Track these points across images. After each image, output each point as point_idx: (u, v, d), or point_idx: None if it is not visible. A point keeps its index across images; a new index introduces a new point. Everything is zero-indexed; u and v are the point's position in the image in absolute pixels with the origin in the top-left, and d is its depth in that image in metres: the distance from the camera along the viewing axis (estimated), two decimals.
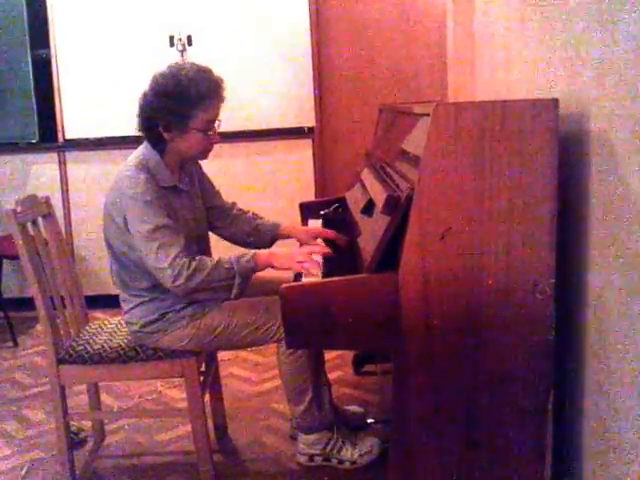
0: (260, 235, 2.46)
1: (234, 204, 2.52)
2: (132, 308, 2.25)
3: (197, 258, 2.08)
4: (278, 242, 2.49)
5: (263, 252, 2.19)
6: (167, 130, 2.13)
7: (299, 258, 2.11)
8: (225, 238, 2.50)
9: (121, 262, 2.21)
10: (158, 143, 2.17)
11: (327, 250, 2.21)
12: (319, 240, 2.41)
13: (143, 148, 2.21)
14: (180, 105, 2.08)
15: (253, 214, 2.52)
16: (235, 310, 2.22)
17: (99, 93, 4.20)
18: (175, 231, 2.09)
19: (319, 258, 2.16)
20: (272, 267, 2.16)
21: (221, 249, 2.47)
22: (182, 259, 2.04)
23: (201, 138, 2.15)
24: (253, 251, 2.18)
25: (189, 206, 2.28)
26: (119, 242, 2.17)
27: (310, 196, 4.16)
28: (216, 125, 2.19)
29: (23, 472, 2.47)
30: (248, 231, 2.47)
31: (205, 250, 2.36)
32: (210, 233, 2.46)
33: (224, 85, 2.15)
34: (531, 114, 1.66)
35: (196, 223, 2.30)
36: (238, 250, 2.26)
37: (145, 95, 2.15)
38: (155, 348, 2.24)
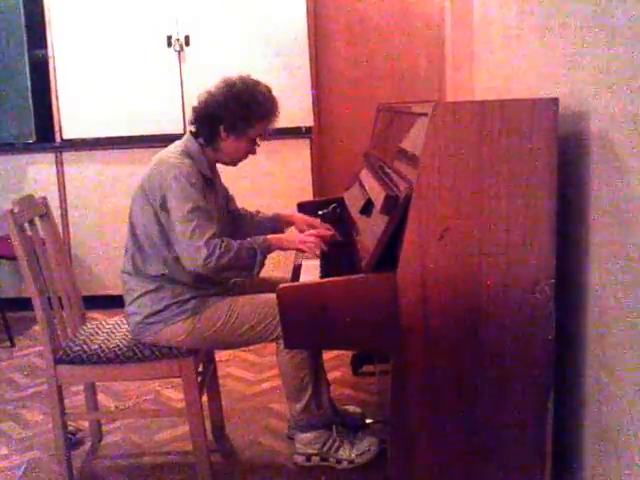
0: (263, 230, 2.54)
1: (242, 207, 2.66)
2: (137, 298, 2.28)
3: (224, 240, 2.20)
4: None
5: (273, 236, 2.34)
6: (228, 130, 2.29)
7: (304, 239, 2.30)
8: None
9: (139, 245, 2.28)
10: (208, 138, 2.32)
11: (331, 233, 2.36)
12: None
13: (185, 140, 2.35)
14: (250, 114, 2.29)
15: (256, 211, 2.67)
16: (235, 307, 2.24)
17: (96, 93, 4.18)
18: (210, 215, 2.21)
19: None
20: (282, 249, 2.34)
21: None
22: (215, 239, 2.16)
23: (248, 146, 2.36)
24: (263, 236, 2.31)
25: (217, 202, 2.39)
26: (146, 222, 2.24)
27: (308, 196, 4.14)
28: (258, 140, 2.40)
29: (20, 472, 2.47)
30: (252, 227, 2.60)
31: None
32: None
33: None
34: (531, 114, 1.65)
35: (220, 220, 2.36)
36: None
37: (212, 95, 2.31)
38: (153, 345, 2.25)
